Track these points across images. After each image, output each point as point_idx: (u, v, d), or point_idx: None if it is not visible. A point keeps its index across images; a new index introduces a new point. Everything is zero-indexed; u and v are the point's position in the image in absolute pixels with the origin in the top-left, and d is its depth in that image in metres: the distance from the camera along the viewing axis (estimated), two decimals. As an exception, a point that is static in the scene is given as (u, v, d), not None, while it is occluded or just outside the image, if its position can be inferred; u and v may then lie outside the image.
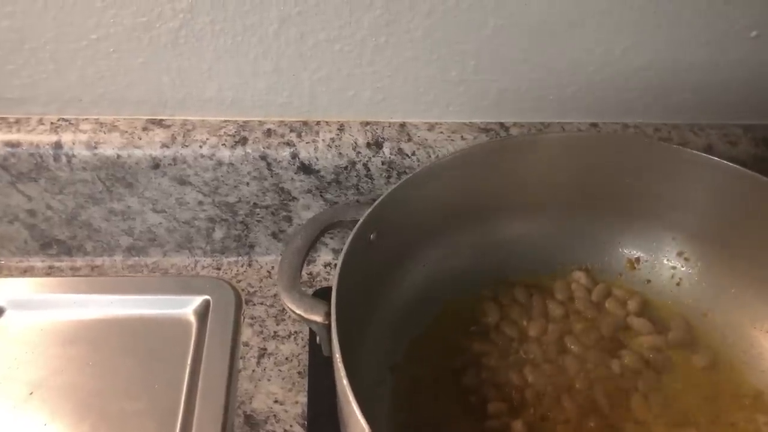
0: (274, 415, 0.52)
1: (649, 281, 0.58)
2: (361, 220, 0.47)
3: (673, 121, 0.60)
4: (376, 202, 0.48)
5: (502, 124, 0.59)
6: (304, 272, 0.62)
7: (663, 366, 0.52)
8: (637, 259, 0.58)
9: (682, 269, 0.57)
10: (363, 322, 0.50)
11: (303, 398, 0.53)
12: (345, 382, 0.38)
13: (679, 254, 0.57)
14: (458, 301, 0.55)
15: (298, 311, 0.43)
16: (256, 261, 0.63)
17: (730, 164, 0.51)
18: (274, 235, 0.61)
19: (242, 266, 0.62)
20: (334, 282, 0.43)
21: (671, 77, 0.57)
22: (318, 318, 0.43)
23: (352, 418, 0.38)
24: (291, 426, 0.51)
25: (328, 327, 0.42)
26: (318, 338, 0.45)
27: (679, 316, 0.56)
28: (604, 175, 0.56)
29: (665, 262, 0.58)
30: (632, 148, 0.55)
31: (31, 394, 0.52)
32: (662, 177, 0.54)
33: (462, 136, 0.58)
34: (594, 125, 0.60)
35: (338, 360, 0.39)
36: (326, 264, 0.63)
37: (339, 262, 0.44)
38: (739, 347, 0.54)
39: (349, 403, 0.38)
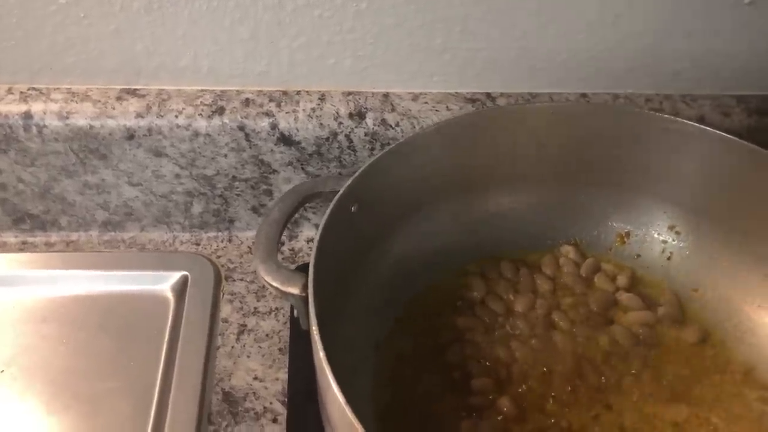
0: (254, 392, 0.50)
1: (639, 256, 0.56)
2: (341, 191, 0.45)
3: (664, 92, 0.58)
4: (357, 173, 0.46)
5: (488, 95, 0.57)
6: (286, 248, 0.61)
7: (653, 341, 0.51)
8: (627, 233, 0.57)
9: (673, 243, 0.56)
10: (344, 297, 0.48)
11: (283, 375, 0.51)
12: (321, 354, 0.37)
13: (670, 228, 0.56)
14: (443, 276, 0.54)
15: (274, 283, 0.42)
16: (236, 236, 0.61)
17: (723, 134, 0.50)
18: (254, 210, 0.60)
19: (222, 242, 0.61)
20: (312, 252, 0.41)
21: (663, 46, 0.55)
22: (295, 290, 0.41)
23: (329, 392, 0.37)
24: (271, 403, 0.50)
25: (305, 299, 0.41)
26: (295, 312, 0.43)
27: (669, 291, 0.55)
28: (594, 146, 0.54)
29: (656, 236, 0.56)
30: (623, 119, 0.53)
31: (2, 372, 0.51)
32: (653, 148, 0.53)
33: (447, 107, 0.56)
34: (584, 95, 0.58)
35: (315, 332, 0.38)
36: (309, 240, 0.62)
37: (317, 233, 0.42)
38: (729, 322, 0.52)
39: (326, 375, 0.36)
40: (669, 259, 0.56)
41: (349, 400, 0.35)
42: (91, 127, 0.53)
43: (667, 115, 0.53)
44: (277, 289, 0.42)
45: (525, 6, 0.52)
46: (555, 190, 0.56)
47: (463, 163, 0.53)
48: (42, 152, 0.54)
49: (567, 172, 0.55)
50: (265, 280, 0.42)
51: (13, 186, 0.56)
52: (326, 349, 0.37)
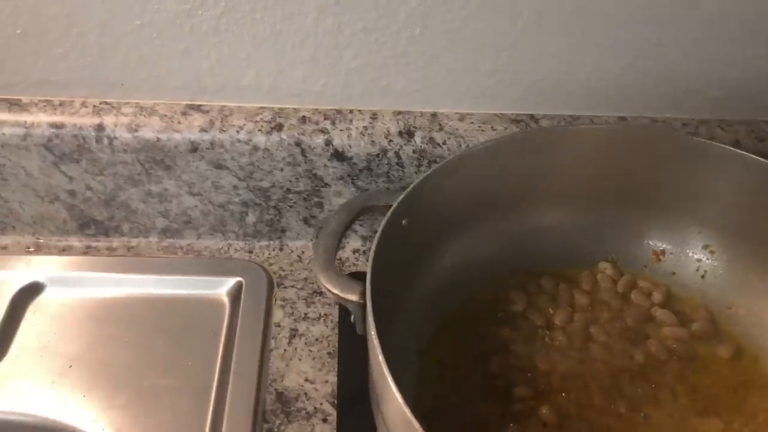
0: (305, 393, 0.53)
1: (674, 273, 0.58)
2: (394, 205, 0.48)
3: (701, 117, 0.61)
4: (410, 188, 0.49)
5: (532, 116, 0.60)
6: (333, 258, 0.64)
7: (687, 356, 0.53)
8: (663, 252, 0.59)
9: (707, 262, 0.58)
10: (394, 305, 0.51)
11: (333, 378, 0.54)
12: (381, 358, 0.39)
13: (705, 247, 0.58)
14: (485, 288, 0.57)
15: (334, 290, 0.45)
16: (287, 245, 0.64)
17: (758, 158, 0.52)
18: (305, 221, 0.63)
19: (274, 250, 0.64)
20: (369, 262, 0.44)
21: (702, 73, 0.58)
22: (354, 297, 0.44)
23: (387, 393, 0.39)
24: (321, 404, 0.52)
25: (363, 306, 0.43)
26: (352, 318, 0.46)
27: (703, 307, 0.57)
28: (632, 167, 0.56)
29: (690, 254, 0.58)
30: (660, 141, 0.56)
31: (70, 367, 0.54)
32: (689, 170, 0.55)
33: (492, 127, 0.59)
34: (622, 119, 0.60)
35: (374, 337, 0.40)
36: (355, 250, 0.65)
37: (374, 244, 0.45)
38: (763, 339, 0.54)
39: (384, 377, 0.39)
40: (703, 277, 0.58)
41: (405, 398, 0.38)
42: (158, 139, 0.57)
43: (703, 139, 0.55)
44: (336, 295, 0.45)
45: (568, 33, 0.55)
46: (594, 208, 0.58)
47: (507, 181, 0.56)
48: (111, 162, 0.58)
49: (606, 191, 0.58)
50: (326, 287, 0.45)
51: (82, 193, 0.60)
52: (384, 353, 0.40)
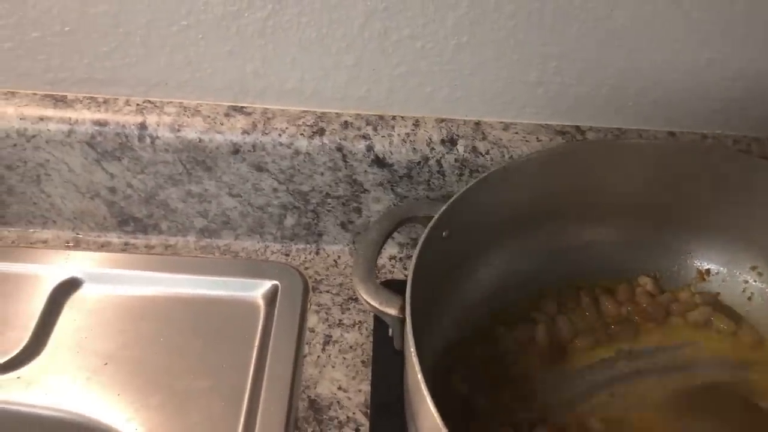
0: (338, 402, 0.53)
1: (719, 294, 0.57)
2: (435, 217, 0.48)
3: (753, 134, 0.59)
4: (451, 200, 0.49)
5: (578, 128, 0.59)
6: (370, 264, 0.63)
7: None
8: (708, 271, 0.58)
9: (755, 284, 0.56)
10: (430, 317, 0.50)
11: (366, 387, 0.54)
12: (419, 376, 0.39)
13: (753, 268, 0.56)
14: (520, 299, 0.56)
15: (373, 303, 0.44)
16: (324, 249, 0.64)
17: (809, 178, 0.51)
18: (342, 225, 0.62)
19: (310, 254, 0.64)
20: (409, 276, 0.43)
21: (755, 90, 0.56)
22: (393, 311, 0.44)
23: (424, 409, 0.39)
24: (353, 413, 0.52)
25: (402, 320, 0.43)
26: (390, 331, 0.45)
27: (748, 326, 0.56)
28: (679, 184, 0.55)
29: (737, 275, 0.57)
30: (710, 159, 0.54)
31: (105, 364, 0.54)
32: (739, 189, 0.54)
33: (537, 138, 0.58)
34: (671, 134, 0.59)
35: (413, 354, 0.40)
36: (391, 257, 0.64)
37: (414, 257, 0.44)
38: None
39: (422, 394, 0.38)
40: (750, 299, 0.56)
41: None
42: (200, 140, 0.57)
43: (755, 157, 0.53)
44: (375, 308, 0.44)
45: (618, 46, 0.53)
46: (638, 224, 0.57)
47: (550, 194, 0.55)
48: (152, 161, 0.58)
49: (651, 207, 0.57)
50: (365, 299, 0.45)
51: (122, 191, 0.60)
52: (423, 370, 0.39)
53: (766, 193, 0.53)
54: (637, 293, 0.57)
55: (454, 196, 0.49)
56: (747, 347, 0.54)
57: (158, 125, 0.57)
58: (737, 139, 0.59)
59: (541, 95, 0.57)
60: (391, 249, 0.64)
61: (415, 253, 0.45)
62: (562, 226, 0.56)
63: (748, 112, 0.57)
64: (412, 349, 0.40)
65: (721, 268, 0.58)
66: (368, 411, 0.52)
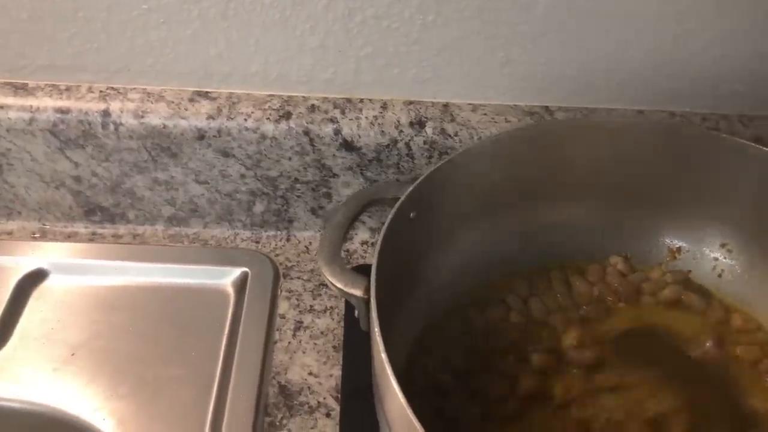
0: (308, 387, 0.52)
1: (690, 272, 0.57)
2: (402, 198, 0.47)
3: (721, 112, 0.59)
4: (418, 181, 0.48)
5: (547, 108, 0.58)
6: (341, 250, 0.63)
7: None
8: (679, 249, 0.58)
9: (725, 261, 0.56)
10: (398, 298, 0.50)
11: (337, 372, 0.53)
12: (383, 356, 0.38)
13: (723, 245, 0.56)
14: (491, 283, 0.56)
15: (338, 285, 0.44)
16: (295, 236, 0.63)
17: (779, 155, 0.51)
18: (313, 211, 0.62)
19: (281, 240, 0.63)
20: (374, 257, 0.43)
21: (723, 67, 0.56)
22: (358, 292, 0.43)
23: (389, 391, 0.38)
24: (324, 398, 0.52)
25: (367, 301, 0.42)
26: (356, 312, 0.45)
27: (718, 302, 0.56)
28: (648, 163, 0.55)
29: (707, 252, 0.57)
30: (678, 136, 0.54)
31: (72, 355, 0.53)
32: (708, 166, 0.53)
33: (506, 119, 0.57)
34: (640, 112, 0.59)
35: (377, 334, 0.39)
36: (363, 242, 0.64)
37: (379, 238, 0.44)
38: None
39: (387, 376, 0.38)
40: (720, 276, 0.56)
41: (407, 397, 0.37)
42: (165, 126, 0.56)
43: (723, 135, 0.53)
44: (340, 290, 0.44)
45: (586, 24, 0.53)
46: (608, 204, 0.57)
47: (520, 175, 0.54)
48: (117, 149, 0.57)
49: (621, 186, 0.56)
50: (330, 281, 0.44)
51: (88, 179, 0.59)
52: (387, 350, 0.39)
53: (733, 170, 0.53)
54: (608, 273, 0.57)
55: (421, 177, 0.48)
56: (716, 323, 0.54)
57: (122, 112, 0.56)
58: (706, 116, 0.59)
59: (509, 76, 0.57)
60: (363, 234, 0.64)
61: (381, 233, 0.44)
62: (531, 207, 0.56)
63: (715, 90, 0.57)
64: (377, 329, 0.39)
65: (692, 247, 0.57)
66: (339, 396, 0.52)
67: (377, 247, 0.44)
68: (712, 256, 0.57)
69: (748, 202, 0.54)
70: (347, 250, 0.63)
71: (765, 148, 0.51)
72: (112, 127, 0.56)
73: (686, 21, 0.53)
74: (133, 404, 0.51)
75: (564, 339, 0.52)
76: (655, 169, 0.55)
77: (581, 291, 0.55)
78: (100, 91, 0.57)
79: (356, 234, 0.64)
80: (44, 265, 0.58)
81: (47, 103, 0.56)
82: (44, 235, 0.62)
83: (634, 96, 0.58)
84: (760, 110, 0.59)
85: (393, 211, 0.46)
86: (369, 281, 0.43)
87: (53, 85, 0.57)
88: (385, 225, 0.45)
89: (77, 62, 0.56)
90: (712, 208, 0.56)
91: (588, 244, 0.57)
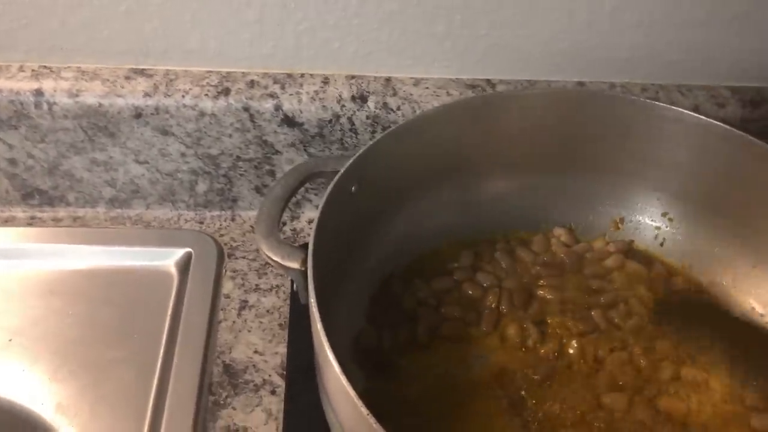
0: (254, 365, 0.52)
1: (632, 241, 0.58)
2: (341, 171, 0.47)
3: (660, 82, 0.60)
4: (357, 154, 0.48)
5: (488, 81, 0.58)
6: (287, 228, 0.62)
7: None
8: (621, 220, 0.58)
9: (666, 229, 0.57)
10: (341, 272, 0.50)
11: (283, 349, 0.53)
12: (319, 326, 0.38)
13: (663, 214, 0.57)
14: (436, 252, 0.56)
15: (275, 258, 0.43)
16: (239, 215, 0.63)
17: (717, 123, 0.51)
18: (257, 189, 0.61)
19: (225, 220, 0.62)
20: (312, 229, 0.43)
21: (660, 37, 0.57)
22: (295, 265, 0.43)
23: (326, 364, 0.38)
24: (270, 375, 0.51)
25: (305, 274, 0.42)
26: (295, 286, 0.45)
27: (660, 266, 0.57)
28: (590, 133, 0.55)
29: (649, 222, 0.58)
30: (618, 107, 0.54)
31: (10, 341, 0.52)
32: (648, 136, 0.54)
33: (448, 92, 0.57)
34: (581, 84, 0.59)
35: (313, 305, 0.39)
36: (310, 221, 0.63)
37: (318, 211, 0.44)
38: (719, 307, 0.54)
39: (323, 347, 0.38)
40: (662, 244, 0.57)
41: (342, 366, 0.37)
42: (100, 105, 0.55)
43: (662, 104, 0.54)
44: (277, 263, 0.43)
45: (524, -3, 0.53)
46: (550, 174, 0.57)
47: (462, 147, 0.54)
48: (52, 129, 0.56)
49: (563, 157, 0.57)
50: (267, 255, 0.44)
51: (23, 162, 0.58)
52: (323, 321, 0.38)
53: (672, 140, 0.53)
54: (553, 244, 0.57)
55: (361, 150, 0.48)
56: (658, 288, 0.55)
57: (55, 91, 0.54)
58: (645, 86, 0.59)
59: (450, 49, 0.56)
60: (309, 212, 0.63)
61: (320, 207, 0.44)
62: (474, 179, 0.56)
63: (653, 59, 0.58)
64: (313, 300, 0.39)
65: (634, 216, 0.58)
66: (284, 373, 0.51)
67: (316, 219, 0.43)
68: (653, 225, 0.58)
69: (687, 171, 0.55)
70: (294, 229, 0.62)
71: (702, 117, 0.52)
72: (45, 106, 0.55)
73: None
74: (74, 388, 0.50)
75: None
76: (596, 140, 0.55)
77: (526, 261, 0.56)
78: (33, 70, 0.55)
79: (303, 212, 0.63)
80: (-19, 251, 0.57)
81: (-24, 83, 0.54)
82: (-20, 221, 0.61)
83: (574, 67, 0.58)
84: (698, 80, 0.59)
85: (332, 184, 0.46)
86: (306, 254, 0.42)
87: (-18, 65, 0.55)
88: (324, 198, 0.45)
89: (6, 41, 0.54)
90: (653, 177, 0.56)
91: (532, 215, 0.58)
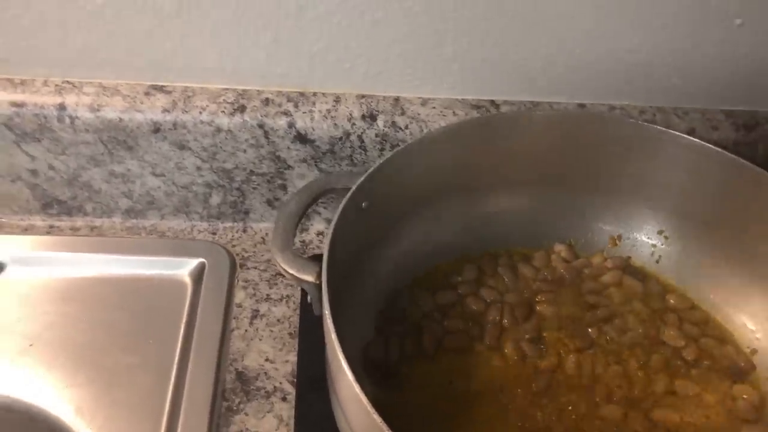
0: (265, 373, 0.54)
1: (629, 257, 0.60)
2: (353, 188, 0.49)
3: (657, 105, 0.62)
4: (369, 171, 0.50)
5: (493, 102, 0.61)
6: (297, 240, 0.64)
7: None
8: (619, 237, 0.60)
9: (662, 247, 0.59)
10: (352, 285, 0.52)
11: (293, 358, 0.55)
12: (333, 336, 0.40)
13: (660, 233, 0.59)
14: (440, 266, 0.58)
15: (291, 271, 0.45)
16: (251, 227, 0.65)
17: (711, 146, 0.54)
18: (269, 203, 0.63)
19: (237, 232, 0.64)
20: (326, 243, 0.45)
21: (658, 61, 0.59)
22: (310, 278, 0.45)
23: (340, 373, 0.40)
24: (281, 383, 0.53)
25: (319, 287, 0.44)
26: (309, 298, 0.47)
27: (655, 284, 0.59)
28: (590, 153, 0.58)
29: (646, 239, 0.60)
30: (617, 129, 0.57)
31: (30, 345, 0.54)
32: (645, 157, 0.56)
33: (454, 112, 0.60)
34: (581, 105, 0.61)
35: (328, 317, 0.41)
36: (319, 233, 0.65)
37: (331, 226, 0.46)
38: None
39: (337, 357, 0.40)
40: (658, 261, 0.60)
41: (356, 376, 0.39)
42: (120, 119, 0.57)
43: (659, 127, 0.56)
44: (293, 276, 0.45)
45: (527, 21, 0.56)
46: (551, 193, 0.60)
47: (467, 165, 0.57)
48: (73, 142, 0.58)
49: (563, 176, 0.59)
50: (283, 268, 0.46)
51: (44, 173, 0.60)
52: (337, 332, 0.41)
53: (668, 161, 0.56)
54: (553, 260, 0.60)
55: (372, 168, 0.50)
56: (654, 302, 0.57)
57: (77, 105, 0.57)
58: (643, 109, 0.62)
59: (457, 71, 0.59)
60: (318, 225, 0.66)
61: (333, 221, 0.46)
62: (479, 196, 0.58)
63: (651, 83, 0.60)
64: (327, 312, 0.41)
65: (631, 234, 0.60)
66: (295, 380, 0.53)
67: (329, 235, 0.45)
68: (650, 243, 0.60)
69: (682, 191, 0.57)
70: (303, 241, 0.64)
71: (698, 140, 0.54)
72: (68, 120, 0.57)
73: (621, 19, 0.56)
74: (92, 392, 0.52)
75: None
76: (595, 160, 0.58)
77: (527, 276, 0.58)
78: (56, 85, 0.57)
79: (312, 225, 0.65)
80: (1, 258, 0.59)
81: (2, 96, 0.56)
82: (1, 229, 0.62)
83: (575, 90, 0.60)
84: (694, 103, 0.62)
85: (344, 200, 0.48)
86: (321, 267, 0.44)
87: (8, 79, 0.57)
88: (337, 214, 0.47)
89: (32, 56, 0.56)
90: (650, 197, 0.59)
91: (534, 231, 0.60)
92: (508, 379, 0.51)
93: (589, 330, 0.54)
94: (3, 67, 0.57)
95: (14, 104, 0.56)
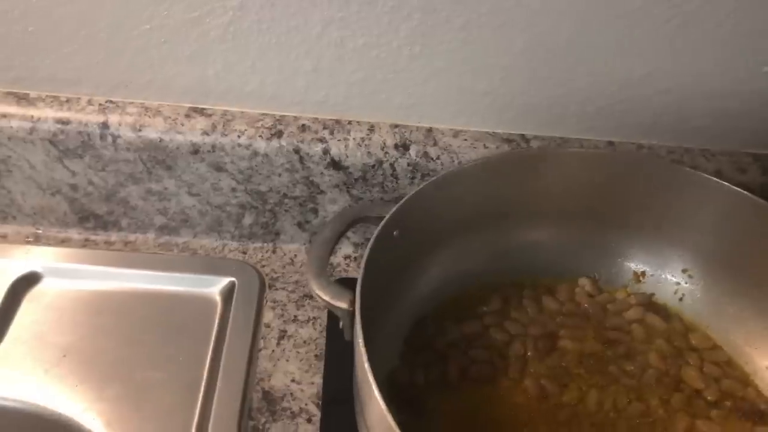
0: (291, 393, 0.55)
1: (653, 294, 0.61)
2: (387, 217, 0.50)
3: (686, 145, 0.63)
4: (402, 201, 0.51)
5: (523, 136, 0.62)
6: (325, 262, 0.65)
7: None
8: (643, 273, 0.61)
9: (686, 285, 0.60)
10: (381, 311, 0.53)
11: (318, 380, 0.56)
12: (366, 366, 0.41)
13: (684, 271, 0.60)
14: (466, 296, 0.59)
15: (325, 297, 0.47)
16: (281, 248, 0.66)
17: (738, 189, 0.54)
18: (299, 225, 0.65)
19: (267, 252, 0.66)
20: (360, 272, 0.46)
21: (687, 103, 0.60)
22: (343, 304, 0.46)
23: (371, 400, 0.41)
24: (306, 404, 0.54)
25: (352, 313, 0.45)
26: (341, 324, 0.48)
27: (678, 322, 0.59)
28: (617, 191, 0.59)
29: (670, 277, 0.61)
30: (645, 168, 0.58)
31: (64, 356, 0.55)
32: (672, 197, 0.57)
33: (485, 145, 0.61)
34: (610, 143, 0.63)
35: (360, 345, 0.42)
36: (346, 256, 0.66)
37: (365, 255, 0.47)
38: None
39: (369, 385, 0.41)
40: (681, 300, 0.60)
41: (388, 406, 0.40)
42: (161, 140, 0.59)
43: (687, 168, 0.57)
44: (327, 302, 0.47)
45: (561, 60, 0.57)
46: (578, 227, 0.61)
47: (497, 197, 0.58)
48: (114, 159, 0.59)
49: (590, 212, 0.60)
50: (317, 294, 0.47)
51: (84, 188, 0.62)
52: (370, 360, 0.42)
53: (695, 201, 0.56)
54: (577, 293, 0.60)
55: (405, 198, 0.51)
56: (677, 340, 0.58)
57: (120, 125, 0.58)
58: (671, 149, 0.63)
59: (489, 105, 0.60)
60: (346, 249, 0.67)
61: (366, 250, 0.47)
62: (506, 228, 0.59)
63: (680, 124, 0.61)
64: (360, 340, 0.42)
65: (655, 271, 0.61)
66: (320, 402, 0.54)
67: (363, 263, 0.46)
68: (674, 281, 0.61)
69: (707, 231, 0.58)
70: (330, 264, 0.66)
71: (724, 182, 0.55)
72: (110, 138, 0.58)
73: (652, 61, 0.57)
74: (121, 406, 0.53)
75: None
76: (623, 197, 0.59)
77: (551, 308, 0.59)
78: (100, 104, 0.59)
79: (339, 248, 0.67)
80: (38, 269, 0.60)
81: (48, 113, 0.58)
82: (38, 240, 0.64)
83: (605, 128, 0.62)
84: (721, 145, 0.63)
85: (378, 229, 0.49)
86: (354, 294, 0.45)
87: (54, 97, 0.59)
88: (371, 242, 0.48)
89: (78, 76, 0.58)
90: (675, 235, 0.59)
91: (559, 264, 0.61)
92: (530, 410, 0.52)
93: (610, 368, 0.55)
94: (49, 85, 0.59)
95: (60, 121, 0.58)
